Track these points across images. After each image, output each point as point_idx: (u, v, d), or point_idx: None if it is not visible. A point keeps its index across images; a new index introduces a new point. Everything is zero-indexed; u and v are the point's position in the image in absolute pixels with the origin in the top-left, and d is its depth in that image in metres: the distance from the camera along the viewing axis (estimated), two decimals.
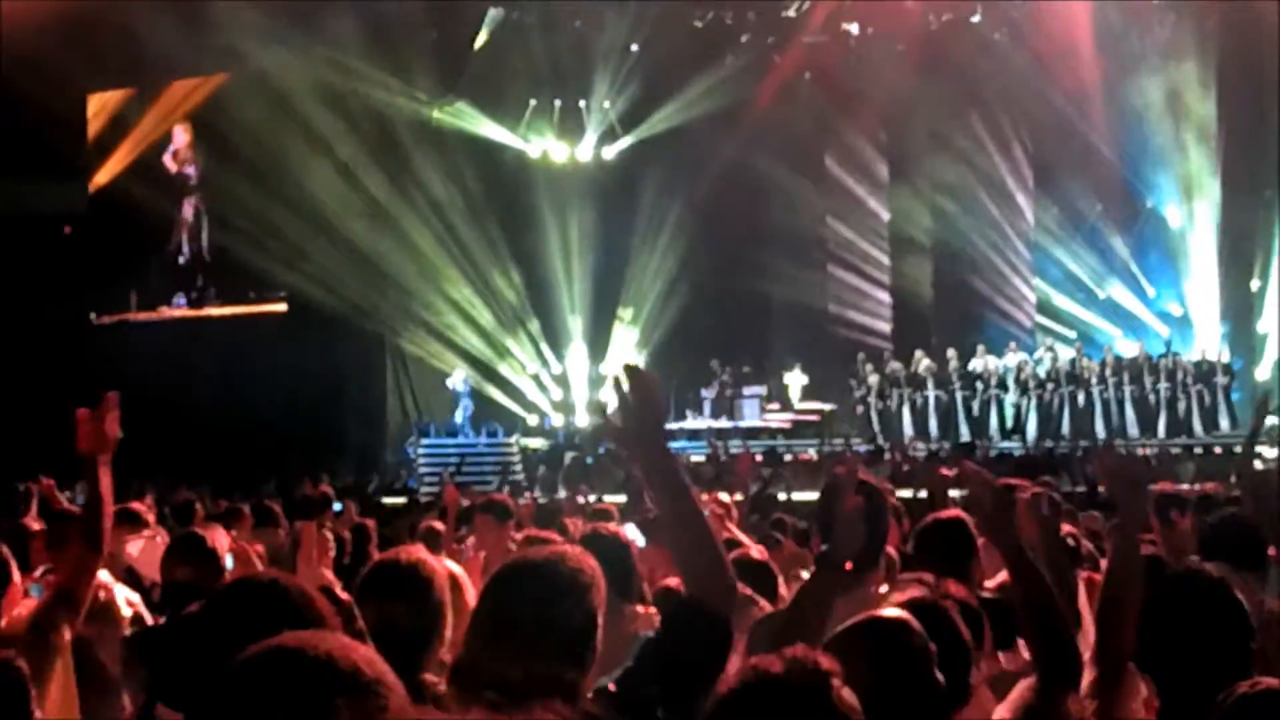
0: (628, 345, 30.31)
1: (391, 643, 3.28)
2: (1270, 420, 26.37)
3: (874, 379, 28.35)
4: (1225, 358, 27.17)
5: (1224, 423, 26.63)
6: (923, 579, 4.22)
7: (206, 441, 24.06)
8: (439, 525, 9.15)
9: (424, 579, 3.81)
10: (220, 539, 6.24)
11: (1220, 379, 26.70)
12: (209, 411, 25.11)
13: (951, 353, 28.17)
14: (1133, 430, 26.66)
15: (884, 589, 4.33)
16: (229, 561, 6.10)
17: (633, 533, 6.14)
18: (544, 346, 30.06)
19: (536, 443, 28.64)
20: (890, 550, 6.36)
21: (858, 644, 3.06)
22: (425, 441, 27.66)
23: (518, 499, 16.03)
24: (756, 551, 6.49)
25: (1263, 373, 28.23)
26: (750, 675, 2.43)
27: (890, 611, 3.24)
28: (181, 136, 29.28)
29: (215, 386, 25.98)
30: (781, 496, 16.67)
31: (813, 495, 13.85)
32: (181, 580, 5.79)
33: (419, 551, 4.02)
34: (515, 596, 3.07)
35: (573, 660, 3.02)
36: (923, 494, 8.93)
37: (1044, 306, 30.34)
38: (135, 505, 8.55)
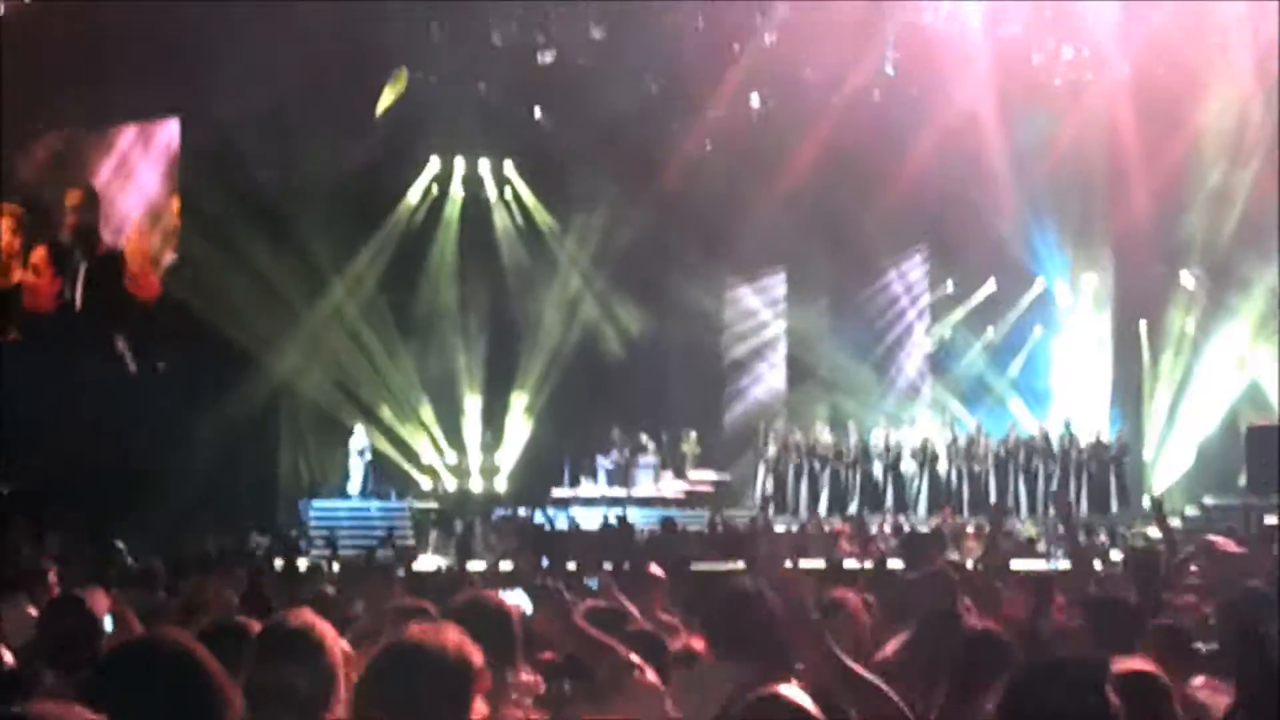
0: (522, 409, 30.18)
1: (286, 703, 3.58)
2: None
3: (772, 449, 28.49)
4: (1113, 437, 27.59)
5: (1114, 503, 27.01)
6: None
7: (88, 494, 23.51)
8: (329, 591, 9.06)
9: (314, 641, 3.89)
10: (99, 601, 6.11)
11: (1111, 458, 27.10)
12: (94, 462, 24.55)
13: (851, 425, 28.45)
14: (1024, 508, 26.98)
15: None
16: (109, 624, 5.99)
17: (519, 598, 6.12)
18: (440, 409, 29.84)
19: (429, 506, 28.35)
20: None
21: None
22: (316, 504, 27.26)
23: (408, 563, 15.91)
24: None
25: (1149, 453, 28.75)
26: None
27: (786, 689, 3.29)
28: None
29: (99, 435, 25.36)
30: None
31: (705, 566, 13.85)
32: (60, 640, 5.71)
33: (306, 615, 4.05)
34: (392, 677, 3.37)
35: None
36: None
37: (938, 380, 30.72)
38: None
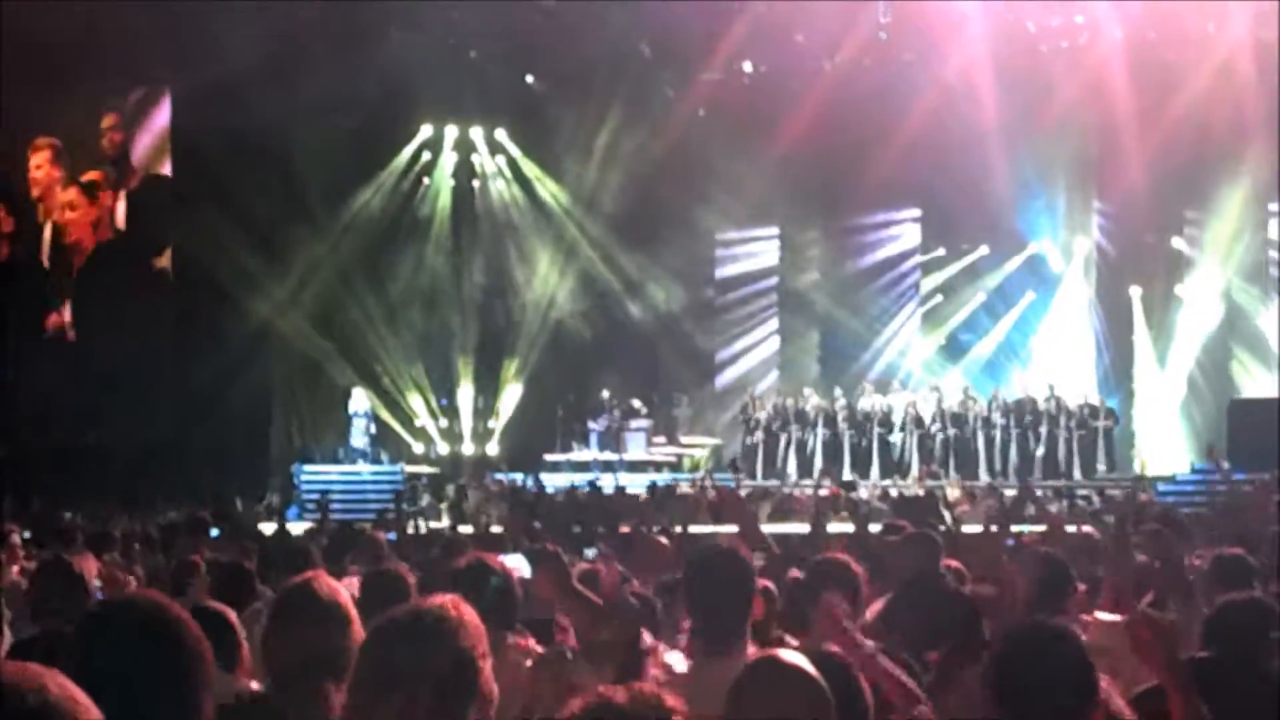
0: (514, 372, 30.15)
1: (304, 667, 3.60)
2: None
3: (761, 415, 28.47)
4: (1102, 400, 27.64)
5: (1101, 466, 27.05)
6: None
7: (87, 461, 23.47)
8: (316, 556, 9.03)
9: (330, 604, 3.87)
10: (88, 565, 6.12)
11: (1101, 422, 27.13)
12: (94, 430, 24.45)
13: (838, 391, 28.42)
14: (1014, 472, 26.98)
15: None
16: (97, 587, 6.00)
17: (518, 562, 6.14)
18: (434, 374, 29.80)
19: (421, 470, 28.34)
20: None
21: (761, 681, 3.14)
22: (307, 468, 27.17)
23: (402, 528, 15.88)
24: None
25: (1140, 416, 28.83)
26: (595, 702, 2.45)
27: (788, 654, 3.26)
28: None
29: (95, 400, 25.21)
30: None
31: (699, 529, 13.87)
32: (47, 602, 5.73)
33: (323, 578, 4.06)
34: (386, 649, 3.16)
35: (446, 700, 3.09)
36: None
37: (929, 340, 30.75)
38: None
